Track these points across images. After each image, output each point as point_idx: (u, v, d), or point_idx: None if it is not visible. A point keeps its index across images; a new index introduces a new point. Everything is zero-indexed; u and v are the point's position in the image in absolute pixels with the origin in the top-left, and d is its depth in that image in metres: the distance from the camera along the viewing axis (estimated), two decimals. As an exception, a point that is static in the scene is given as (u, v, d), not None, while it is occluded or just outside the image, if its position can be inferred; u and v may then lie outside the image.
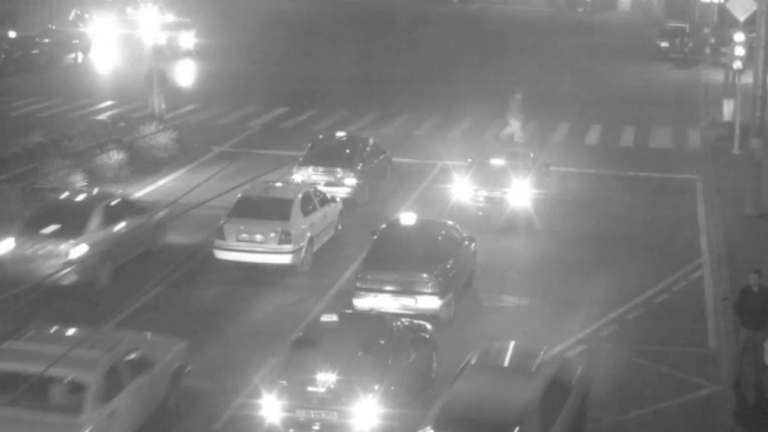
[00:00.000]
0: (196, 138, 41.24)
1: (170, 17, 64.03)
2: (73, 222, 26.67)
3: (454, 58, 64.91)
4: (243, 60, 61.89)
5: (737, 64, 42.23)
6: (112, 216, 27.45)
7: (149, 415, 19.72)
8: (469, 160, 34.38)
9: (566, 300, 26.78)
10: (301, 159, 34.16)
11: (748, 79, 39.76)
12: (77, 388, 17.86)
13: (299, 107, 48.60)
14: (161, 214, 29.45)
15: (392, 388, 19.51)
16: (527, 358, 19.95)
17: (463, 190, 32.44)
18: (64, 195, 29.13)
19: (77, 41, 61.99)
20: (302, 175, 33.37)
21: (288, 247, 27.50)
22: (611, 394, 21.85)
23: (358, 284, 24.81)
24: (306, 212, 28.56)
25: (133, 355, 19.26)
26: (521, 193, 32.19)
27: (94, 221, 26.88)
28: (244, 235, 27.59)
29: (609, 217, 33.55)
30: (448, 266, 25.28)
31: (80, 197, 28.59)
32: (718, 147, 42.59)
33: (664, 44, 67.76)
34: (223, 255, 27.85)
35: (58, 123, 42.97)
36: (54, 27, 64.97)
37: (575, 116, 47.55)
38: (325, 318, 20.74)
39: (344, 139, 35.26)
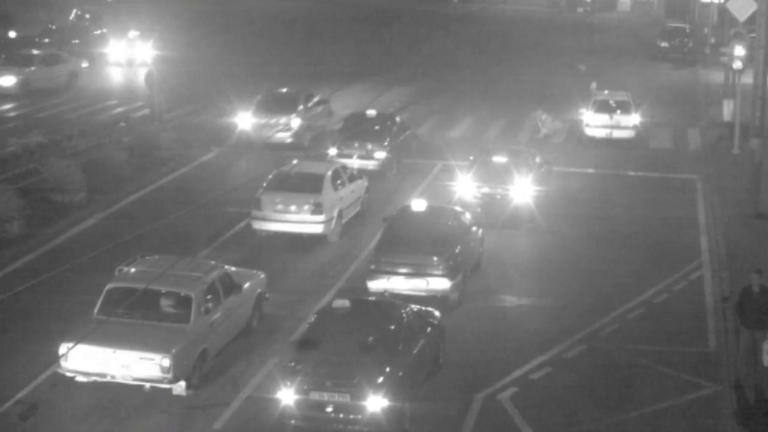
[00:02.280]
0: (196, 138, 41.24)
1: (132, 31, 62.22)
2: (288, 104, 41.21)
3: (454, 58, 64.90)
4: (242, 60, 61.84)
5: (737, 64, 42.23)
6: (308, 101, 41.70)
7: (238, 330, 23.35)
8: (472, 157, 34.47)
9: (566, 299, 26.79)
10: (335, 135, 38.15)
11: (748, 79, 39.78)
12: (184, 302, 21.55)
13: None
14: (330, 108, 43.60)
15: (401, 373, 19.96)
16: None
17: (465, 187, 32.53)
18: (279, 90, 43.33)
19: (77, 41, 62.02)
20: (336, 149, 36.73)
21: (320, 217, 29.72)
22: (611, 394, 21.86)
23: (372, 267, 25.83)
24: (336, 187, 30.77)
25: (225, 279, 22.93)
26: (523, 191, 32.25)
27: (301, 103, 41.20)
28: (280, 206, 29.86)
29: (609, 217, 33.57)
30: (457, 250, 26.08)
31: (289, 90, 43.16)
32: (718, 147, 42.62)
33: (664, 44, 67.77)
34: (259, 225, 30.15)
35: (58, 123, 42.99)
36: (54, 27, 64.95)
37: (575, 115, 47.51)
38: (337, 304, 21.34)
39: (374, 116, 38.65)
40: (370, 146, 36.78)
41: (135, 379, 20.76)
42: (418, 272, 25.52)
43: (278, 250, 29.64)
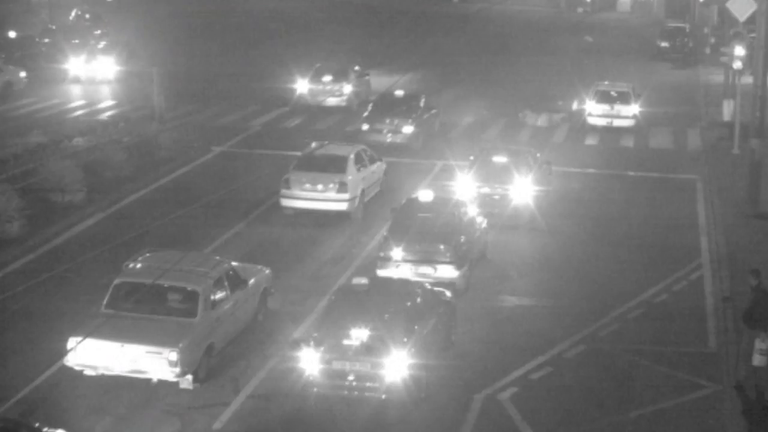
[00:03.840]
0: (197, 137, 41.25)
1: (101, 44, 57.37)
2: (341, 73, 48.48)
3: (454, 58, 64.90)
4: (241, 60, 61.88)
5: (737, 64, 42.24)
6: (356, 73, 49.40)
7: (244, 324, 23.63)
8: (472, 157, 34.51)
9: (566, 299, 26.78)
10: (366, 114, 41.67)
11: (748, 79, 39.78)
12: (191, 296, 21.80)
13: (300, 107, 48.73)
14: (369, 79, 50.79)
15: (417, 344, 21.03)
16: None
17: (465, 187, 32.55)
18: (329, 63, 50.74)
19: (77, 41, 61.98)
20: (368, 124, 40.68)
21: (345, 195, 31.80)
22: (611, 394, 21.86)
23: (382, 254, 26.78)
24: (359, 167, 32.88)
25: (232, 274, 23.20)
26: (523, 191, 32.28)
27: (352, 74, 48.69)
28: (307, 185, 31.78)
29: (609, 217, 33.57)
30: (463, 239, 27.05)
31: (338, 62, 51.43)
32: (718, 147, 42.63)
33: (664, 44, 67.81)
34: (288, 203, 32.10)
35: (58, 123, 42.95)
36: (54, 27, 64.95)
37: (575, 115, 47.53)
38: (356, 281, 22.53)
39: (401, 96, 43.04)
40: (398, 121, 40.44)
41: (142, 373, 21.02)
42: (426, 260, 26.36)
43: (280, 249, 29.64)
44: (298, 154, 34.68)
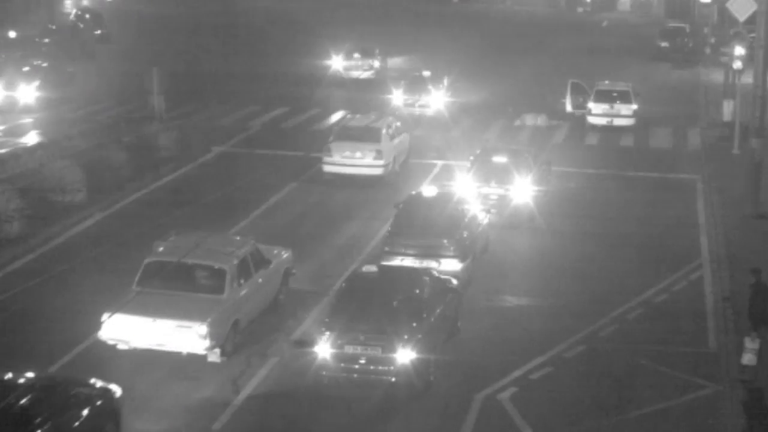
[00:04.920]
0: (196, 137, 41.24)
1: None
2: (369, 51, 57.39)
3: (454, 58, 64.84)
4: (242, 60, 61.89)
5: (737, 64, 42.26)
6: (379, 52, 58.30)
7: (267, 303, 24.61)
8: (472, 157, 34.54)
9: (566, 299, 26.79)
10: (401, 90, 48.19)
11: (748, 79, 39.77)
12: (219, 274, 22.86)
13: (299, 107, 48.72)
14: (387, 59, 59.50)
15: (426, 329, 21.64)
16: None
17: (465, 187, 32.56)
18: (358, 43, 58.80)
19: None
20: (400, 98, 47.61)
21: (381, 162, 35.76)
22: (611, 394, 21.86)
23: (387, 248, 27.14)
24: (391, 137, 36.80)
25: (256, 254, 24.19)
26: (523, 191, 32.31)
27: (378, 52, 57.64)
28: (347, 153, 35.60)
29: (609, 217, 33.57)
30: (465, 234, 27.49)
31: (366, 42, 59.46)
32: (718, 147, 42.63)
33: (664, 44, 67.86)
34: (329, 168, 36.02)
35: (58, 123, 42.93)
36: (54, 27, 64.93)
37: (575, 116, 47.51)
38: (366, 268, 23.81)
39: (429, 76, 48.74)
40: (427, 98, 47.09)
41: (173, 347, 22.00)
42: (430, 253, 26.72)
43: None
44: (299, 154, 34.72)
